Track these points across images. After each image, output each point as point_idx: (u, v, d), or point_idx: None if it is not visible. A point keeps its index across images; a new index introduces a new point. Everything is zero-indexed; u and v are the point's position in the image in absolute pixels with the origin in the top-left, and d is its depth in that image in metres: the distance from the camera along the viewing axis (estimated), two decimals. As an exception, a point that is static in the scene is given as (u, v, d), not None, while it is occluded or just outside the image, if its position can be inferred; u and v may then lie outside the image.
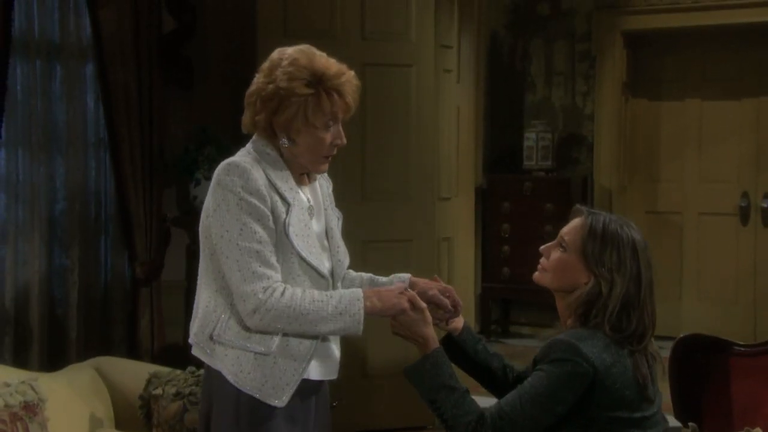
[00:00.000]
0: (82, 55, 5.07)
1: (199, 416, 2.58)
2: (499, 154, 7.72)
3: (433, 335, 2.52)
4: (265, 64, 2.62)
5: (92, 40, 4.99)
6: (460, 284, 5.87)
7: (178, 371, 3.34)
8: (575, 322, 2.48)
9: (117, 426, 3.37)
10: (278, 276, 2.42)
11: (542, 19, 7.77)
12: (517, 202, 7.45)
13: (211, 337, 2.44)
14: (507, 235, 7.49)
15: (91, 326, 5.10)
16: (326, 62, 2.60)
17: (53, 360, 4.79)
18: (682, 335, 3.02)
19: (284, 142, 2.55)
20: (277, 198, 2.49)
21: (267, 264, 2.41)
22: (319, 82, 2.55)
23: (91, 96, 5.11)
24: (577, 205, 2.57)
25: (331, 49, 4.91)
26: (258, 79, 2.59)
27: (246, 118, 2.62)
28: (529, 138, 7.39)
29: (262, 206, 2.44)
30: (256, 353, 2.42)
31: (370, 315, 2.46)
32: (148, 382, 3.30)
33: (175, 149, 5.19)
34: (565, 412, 2.37)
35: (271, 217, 2.45)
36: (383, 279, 2.77)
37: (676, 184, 7.69)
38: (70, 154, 5.03)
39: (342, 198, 4.93)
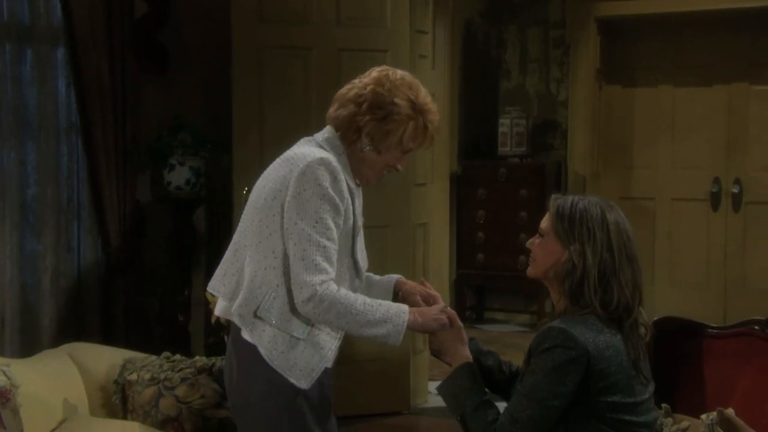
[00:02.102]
0: (53, 38, 5.01)
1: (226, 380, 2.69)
2: (474, 141, 7.73)
3: (468, 355, 2.62)
4: (373, 74, 2.79)
5: (63, 23, 4.93)
6: (435, 270, 5.87)
7: (153, 357, 3.32)
8: (567, 305, 2.51)
9: (91, 412, 3.34)
10: (334, 274, 2.54)
11: (517, 6, 7.78)
12: (492, 188, 7.47)
13: (255, 313, 2.55)
14: (482, 222, 7.51)
15: (65, 313, 5.07)
16: (428, 97, 2.76)
17: (26, 347, 4.75)
18: (656, 318, 3.03)
19: (367, 148, 2.69)
20: (349, 201, 2.64)
21: (329, 261, 2.53)
22: (420, 112, 2.70)
23: (63, 81, 5.05)
24: (553, 195, 2.61)
25: (306, 34, 4.97)
26: (366, 84, 2.73)
27: (339, 113, 2.71)
28: (504, 124, 7.41)
29: (341, 207, 2.59)
30: (291, 336, 2.56)
31: (411, 329, 2.60)
32: (123, 367, 3.29)
33: (149, 135, 5.16)
34: (568, 403, 2.40)
35: (343, 218, 2.60)
36: (376, 277, 2.86)
37: (649, 170, 7.73)
38: (41, 140, 4.98)
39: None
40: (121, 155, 5.07)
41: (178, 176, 5.09)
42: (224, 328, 3.82)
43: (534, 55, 7.77)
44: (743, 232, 7.55)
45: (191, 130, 5.06)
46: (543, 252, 2.57)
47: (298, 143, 2.81)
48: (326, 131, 2.75)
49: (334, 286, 2.52)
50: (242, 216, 2.72)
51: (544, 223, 2.59)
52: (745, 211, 7.53)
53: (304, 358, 2.58)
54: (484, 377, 2.62)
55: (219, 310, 2.71)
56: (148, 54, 5.23)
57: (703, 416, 2.47)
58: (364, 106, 2.67)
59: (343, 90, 2.77)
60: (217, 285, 2.70)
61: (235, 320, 2.61)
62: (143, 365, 3.26)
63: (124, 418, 3.26)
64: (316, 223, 2.52)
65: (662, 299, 7.75)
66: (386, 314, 2.55)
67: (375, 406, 5.14)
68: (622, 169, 7.75)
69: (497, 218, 7.45)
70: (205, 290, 3.92)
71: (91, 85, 4.96)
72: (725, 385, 2.86)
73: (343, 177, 2.61)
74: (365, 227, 4.89)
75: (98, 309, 5.19)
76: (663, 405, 2.80)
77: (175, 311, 5.19)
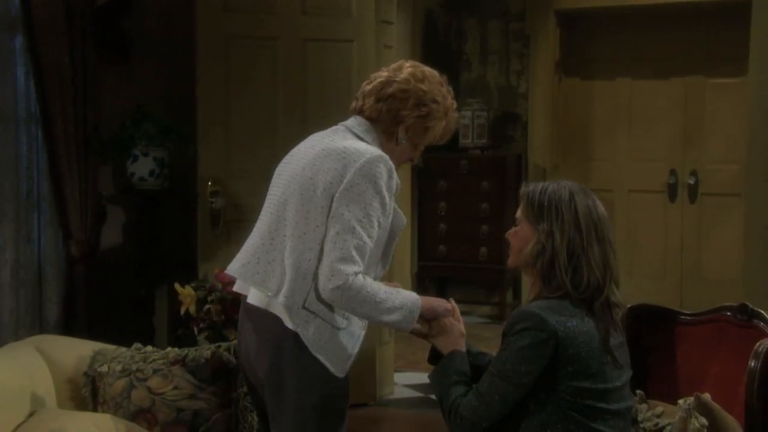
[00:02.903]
0: (11, 26, 4.91)
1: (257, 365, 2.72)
2: (435, 132, 7.73)
3: (463, 345, 2.68)
4: (407, 68, 2.80)
5: (21, 11, 4.84)
6: (396, 262, 5.87)
7: (124, 348, 3.28)
8: (541, 288, 2.54)
9: (59, 405, 3.28)
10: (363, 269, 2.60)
11: (477, -3, 7.81)
12: (453, 180, 7.50)
13: (303, 305, 2.60)
14: (443, 214, 7.53)
15: (26, 306, 4.99)
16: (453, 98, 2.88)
17: (-14, 341, 4.68)
18: (628, 306, 3.06)
19: (403, 141, 2.78)
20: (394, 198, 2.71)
21: (363, 257, 2.58)
22: (449, 111, 2.84)
23: (21, 69, 4.95)
24: (524, 183, 2.66)
25: (271, 24, 4.94)
26: (406, 79, 2.75)
27: (381, 107, 2.76)
28: (465, 116, 7.43)
29: (389, 207, 2.66)
30: (333, 326, 2.64)
31: (420, 314, 2.66)
32: (93, 359, 3.23)
33: (112, 125, 5.09)
34: (532, 383, 2.42)
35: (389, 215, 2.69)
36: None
37: (607, 162, 7.81)
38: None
39: (283, 174, 4.96)
40: (82, 146, 4.99)
41: (142, 167, 5.03)
42: (193, 320, 3.80)
43: (494, 47, 7.80)
44: (699, 223, 7.66)
45: (155, 120, 5.00)
46: (517, 240, 2.61)
47: (332, 132, 2.82)
48: (360, 122, 2.79)
49: (361, 277, 2.57)
50: (273, 202, 2.74)
51: (517, 213, 2.64)
52: (701, 202, 7.65)
53: (343, 347, 2.66)
54: (475, 376, 2.63)
55: (252, 297, 2.73)
56: (110, 42, 5.16)
57: (681, 401, 2.49)
58: (410, 102, 2.74)
59: (376, 84, 2.79)
60: (248, 271, 2.71)
61: (278, 310, 2.63)
62: (114, 357, 3.21)
63: (94, 410, 3.20)
64: (363, 218, 2.58)
65: (621, 290, 7.82)
66: (403, 301, 2.62)
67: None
68: (581, 161, 7.82)
69: (459, 210, 7.48)
70: (175, 282, 3.93)
71: (51, 74, 4.87)
72: (698, 371, 2.89)
73: (396, 174, 2.66)
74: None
75: (60, 302, 5.11)
76: (637, 391, 2.83)
77: (139, 303, 5.13)
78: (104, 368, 3.19)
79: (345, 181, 2.58)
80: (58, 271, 5.12)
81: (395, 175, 2.66)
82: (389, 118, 2.75)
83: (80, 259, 5.05)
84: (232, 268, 2.79)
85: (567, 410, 2.44)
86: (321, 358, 2.61)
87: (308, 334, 2.60)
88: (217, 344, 3.16)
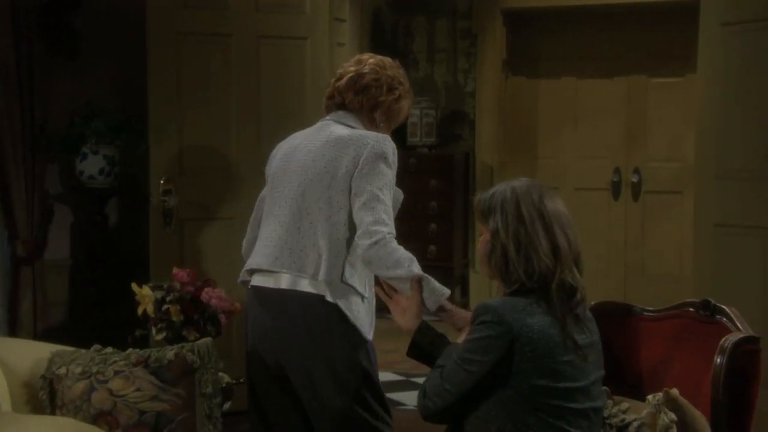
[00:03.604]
0: (-45, 22, 4.80)
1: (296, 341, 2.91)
2: (384, 130, 7.73)
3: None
4: (370, 60, 3.15)
5: (-37, 5, 4.73)
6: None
7: (83, 350, 3.22)
8: (501, 286, 2.57)
9: (15, 409, 3.21)
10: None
11: (424, -4, 7.83)
12: (402, 178, 7.34)
13: (341, 279, 2.88)
14: (392, 211, 7.53)
15: (-30, 307, 4.88)
16: None
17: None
18: (591, 303, 3.09)
19: (380, 123, 3.10)
20: None
21: (391, 219, 2.88)
22: (408, 91, 3.19)
23: (-35, 65, 4.85)
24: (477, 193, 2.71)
25: (224, 20, 4.88)
26: (374, 69, 3.09)
27: (361, 99, 3.06)
28: (413, 114, 7.44)
29: (394, 181, 2.99)
30: (362, 297, 2.94)
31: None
32: (50, 361, 3.17)
33: (60, 123, 4.98)
34: (484, 374, 2.43)
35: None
36: None
37: (553, 159, 7.89)
38: (-57, 127, 4.77)
39: (239, 172, 4.91)
40: (28, 144, 4.89)
41: (92, 165, 4.94)
42: (151, 319, 3.75)
43: (441, 46, 7.82)
44: (642, 220, 7.79)
45: (105, 118, 4.92)
46: (480, 246, 2.65)
47: (325, 126, 3.07)
48: (345, 115, 3.07)
49: (391, 237, 2.85)
50: (289, 196, 2.97)
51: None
52: (644, 199, 7.77)
53: (368, 313, 2.97)
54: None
55: (286, 282, 2.92)
56: (57, 39, 5.06)
57: (649, 397, 2.52)
58: (384, 88, 3.06)
59: (347, 80, 3.07)
60: (283, 263, 2.93)
61: (320, 288, 2.87)
62: (73, 359, 3.15)
63: (52, 413, 3.14)
64: (383, 187, 2.87)
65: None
66: (408, 255, 2.85)
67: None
68: (528, 159, 7.89)
69: (407, 208, 7.33)
70: (131, 282, 3.87)
71: (-4, 70, 4.77)
72: (661, 366, 2.93)
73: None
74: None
75: (5, 303, 5.00)
76: (603, 387, 2.85)
77: (89, 304, 5.04)
78: (62, 370, 3.13)
79: (361, 161, 2.87)
80: (3, 271, 5.01)
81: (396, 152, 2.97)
82: (369, 106, 3.06)
83: (26, 259, 4.94)
84: (263, 264, 2.99)
85: (536, 412, 2.43)
86: (357, 325, 2.89)
87: (348, 305, 2.88)
88: (180, 345, 3.12)
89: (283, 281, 2.93)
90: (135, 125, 4.94)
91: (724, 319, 2.76)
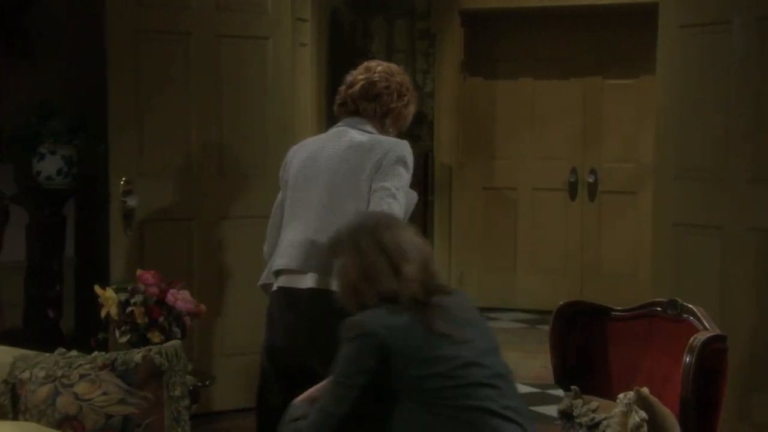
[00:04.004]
0: None
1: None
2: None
3: None
4: (378, 68, 3.26)
5: None
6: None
7: (46, 354, 3.16)
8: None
9: (-25, 414, 3.15)
10: None
11: (383, -4, 7.82)
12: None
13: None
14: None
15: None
16: None
17: None
18: (561, 303, 3.12)
19: (390, 129, 3.24)
20: None
21: (401, 215, 3.02)
22: (414, 95, 3.36)
23: None
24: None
25: (184, 19, 4.83)
26: (384, 77, 3.21)
27: (375, 107, 3.19)
28: (372, 114, 7.42)
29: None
30: None
31: None
32: (13, 365, 3.10)
33: (16, 122, 4.89)
34: (367, 382, 2.38)
35: None
36: None
37: (510, 160, 7.94)
38: None
39: (200, 173, 4.87)
40: (-18, 143, 4.81)
41: (49, 166, 4.85)
42: (115, 322, 3.70)
43: (400, 46, 7.82)
44: (598, 220, 7.87)
45: (63, 117, 4.84)
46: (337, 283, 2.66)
47: (342, 132, 3.19)
48: (359, 121, 3.19)
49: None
50: (314, 199, 3.10)
51: None
52: (600, 200, 7.85)
53: None
54: None
55: (317, 282, 3.01)
56: (10, 37, 4.97)
57: (620, 395, 2.55)
58: (395, 95, 3.21)
59: (358, 88, 3.20)
60: (315, 263, 3.01)
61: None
62: (36, 362, 3.08)
63: (15, 419, 3.08)
64: (400, 187, 3.04)
65: (523, 285, 8.00)
66: None
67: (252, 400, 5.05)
68: (486, 160, 7.93)
69: (365, 208, 7.47)
70: (95, 285, 3.82)
71: (-52, 69, 4.68)
72: (630, 366, 2.96)
73: None
74: (246, 217, 4.88)
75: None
76: (572, 387, 2.88)
77: (45, 307, 4.96)
78: (26, 375, 3.06)
79: (383, 164, 3.04)
80: (-44, 274, 4.92)
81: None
82: (381, 113, 3.20)
83: (-20, 260, 4.85)
84: (291, 264, 3.07)
85: (420, 403, 2.36)
86: None
87: None
88: (147, 347, 3.07)
89: (314, 281, 3.02)
90: (93, 125, 4.86)
91: (692, 318, 2.80)
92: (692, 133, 4.52)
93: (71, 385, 3.01)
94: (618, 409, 2.55)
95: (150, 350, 3.05)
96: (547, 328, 7.30)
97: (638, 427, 2.46)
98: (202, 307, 3.73)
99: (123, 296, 3.63)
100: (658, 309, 2.94)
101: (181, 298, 3.62)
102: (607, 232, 7.86)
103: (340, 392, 2.41)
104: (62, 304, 5.02)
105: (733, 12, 4.32)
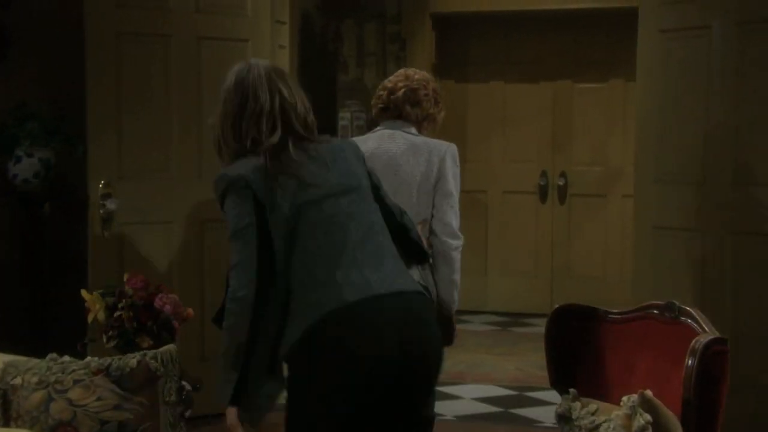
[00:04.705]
0: None
1: None
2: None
3: None
4: (416, 76, 3.54)
5: None
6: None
7: (36, 360, 3.11)
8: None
9: (-39, 421, 3.10)
10: None
11: (354, 0, 7.81)
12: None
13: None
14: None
15: None
16: None
17: None
18: (557, 306, 3.13)
19: (425, 132, 3.54)
20: None
21: None
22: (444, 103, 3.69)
23: None
24: None
25: (164, 21, 4.79)
26: (424, 84, 3.51)
27: (417, 111, 3.49)
28: (345, 118, 7.43)
29: None
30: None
31: None
32: (4, 371, 3.05)
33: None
34: (253, 220, 2.51)
35: None
36: None
37: (481, 163, 7.97)
38: None
39: (180, 175, 4.83)
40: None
41: (26, 169, 4.77)
42: (102, 326, 3.65)
43: (371, 49, 7.82)
44: (568, 222, 7.93)
45: (40, 120, 4.77)
46: None
47: (397, 135, 3.44)
48: (403, 124, 3.47)
49: None
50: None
51: None
52: (570, 202, 7.91)
53: None
54: None
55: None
56: (-14, 38, 4.90)
57: (624, 398, 2.57)
58: (432, 101, 3.53)
59: (401, 95, 3.47)
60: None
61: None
62: (28, 368, 3.04)
63: (6, 425, 3.03)
64: (457, 189, 3.46)
65: (494, 288, 8.03)
66: None
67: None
68: (457, 163, 7.94)
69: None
70: (81, 289, 3.76)
71: None
72: (626, 368, 2.98)
73: None
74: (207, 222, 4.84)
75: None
76: (571, 390, 2.90)
77: (26, 312, 4.88)
78: (18, 380, 3.02)
79: (446, 165, 3.40)
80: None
81: None
82: (422, 117, 3.51)
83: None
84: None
85: (283, 238, 2.51)
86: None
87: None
88: (142, 352, 3.04)
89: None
90: (71, 128, 4.80)
91: (689, 320, 2.82)
92: (672, 136, 4.57)
93: (65, 391, 2.98)
94: (622, 411, 2.56)
95: (145, 355, 3.03)
96: (518, 330, 7.41)
97: (643, 429, 2.48)
98: (190, 311, 3.68)
99: (110, 300, 3.58)
100: (655, 311, 2.96)
101: (170, 302, 3.58)
102: (577, 235, 7.92)
103: (237, 242, 2.52)
104: (43, 309, 4.94)
105: (713, 17, 4.37)
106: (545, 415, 5.10)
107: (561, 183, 7.91)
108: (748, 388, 4.13)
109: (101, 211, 4.62)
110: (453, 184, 3.43)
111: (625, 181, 7.78)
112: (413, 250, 2.91)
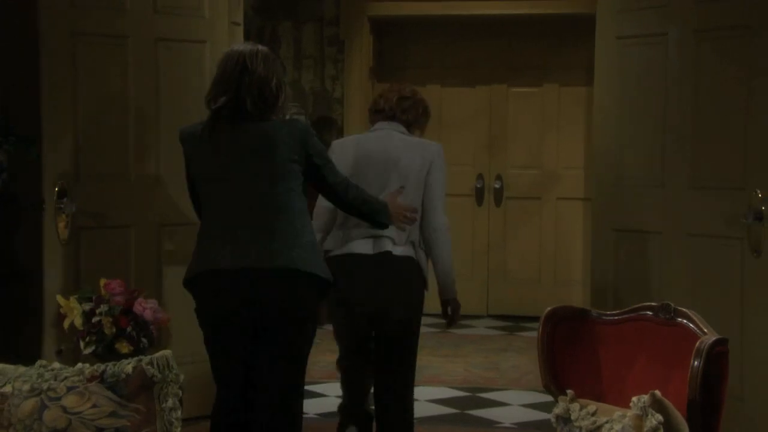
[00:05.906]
0: None
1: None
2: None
3: None
4: (409, 86, 4.18)
5: None
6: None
7: (24, 367, 3.02)
8: None
9: (-57, 433, 2.99)
10: None
11: (291, 2, 7.78)
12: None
13: (412, 242, 3.92)
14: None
15: None
16: None
17: None
18: (550, 308, 3.17)
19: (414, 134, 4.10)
20: None
21: None
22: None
23: None
24: None
25: (121, 22, 4.70)
26: (414, 94, 4.08)
27: (408, 116, 4.02)
28: (285, 120, 7.37)
29: None
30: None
31: None
32: (-9, 380, 2.96)
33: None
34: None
35: None
36: None
37: (419, 166, 8.00)
38: None
39: (138, 178, 4.74)
40: None
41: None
42: (79, 332, 3.56)
43: (308, 52, 7.81)
44: (504, 225, 8.05)
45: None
46: None
47: (393, 133, 3.96)
48: (397, 126, 3.98)
49: None
50: (375, 180, 3.84)
51: None
52: (506, 205, 8.04)
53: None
54: None
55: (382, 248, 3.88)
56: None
57: (634, 399, 2.61)
58: (420, 109, 4.09)
59: (396, 100, 4.01)
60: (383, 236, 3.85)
61: (410, 252, 3.93)
62: (17, 376, 2.94)
63: (-7, 436, 2.94)
64: (444, 180, 3.99)
65: (431, 290, 8.06)
66: None
67: (203, 409, 4.93)
68: (395, 166, 7.97)
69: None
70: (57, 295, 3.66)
71: None
72: (620, 369, 3.04)
73: None
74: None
75: None
76: (568, 391, 2.93)
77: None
78: (8, 389, 2.93)
79: (435, 161, 3.93)
80: None
81: None
82: (411, 122, 4.05)
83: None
84: (359, 249, 3.86)
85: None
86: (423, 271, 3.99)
87: (421, 257, 3.97)
88: (138, 358, 2.98)
89: (381, 247, 3.83)
90: (24, 129, 4.65)
91: (686, 321, 2.89)
92: (631, 140, 4.68)
93: (59, 398, 2.91)
94: (632, 412, 2.61)
95: (141, 360, 2.97)
96: (459, 332, 7.43)
97: (655, 430, 2.52)
98: (168, 316, 3.63)
99: (87, 306, 3.50)
100: (648, 313, 3.02)
101: (149, 307, 3.51)
102: (513, 237, 8.05)
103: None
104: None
105: (670, 24, 4.49)
106: (503, 416, 5.17)
107: (497, 186, 8.02)
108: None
109: (57, 216, 4.49)
110: (442, 180, 3.98)
111: (560, 184, 7.95)
112: (370, 220, 3.57)
